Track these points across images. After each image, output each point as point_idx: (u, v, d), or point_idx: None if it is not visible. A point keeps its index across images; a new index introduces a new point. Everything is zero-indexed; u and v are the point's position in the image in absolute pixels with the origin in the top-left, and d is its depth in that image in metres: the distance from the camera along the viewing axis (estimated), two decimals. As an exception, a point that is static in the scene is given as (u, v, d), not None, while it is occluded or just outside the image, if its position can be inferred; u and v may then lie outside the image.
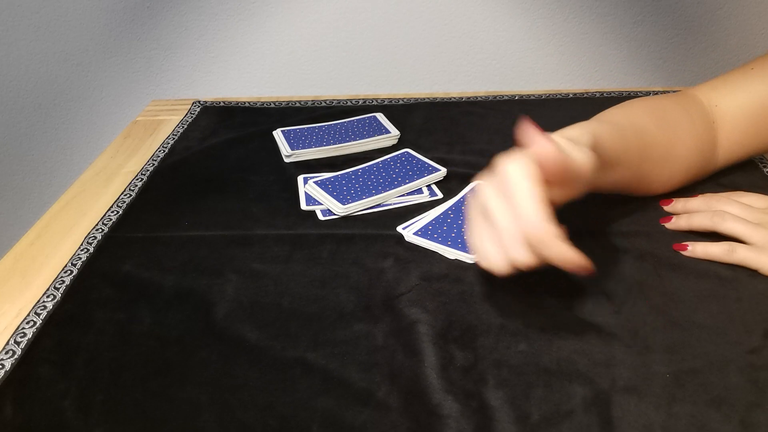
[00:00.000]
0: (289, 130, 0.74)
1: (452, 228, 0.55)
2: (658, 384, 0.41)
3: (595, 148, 0.46)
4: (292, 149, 0.69)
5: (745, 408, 0.39)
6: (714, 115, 0.58)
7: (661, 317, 0.46)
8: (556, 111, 0.78)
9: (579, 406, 0.39)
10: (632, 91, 0.84)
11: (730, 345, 0.43)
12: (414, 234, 0.55)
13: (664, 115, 0.57)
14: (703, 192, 0.58)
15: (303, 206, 0.60)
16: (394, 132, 0.72)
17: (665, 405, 0.39)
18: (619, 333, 0.45)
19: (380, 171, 0.64)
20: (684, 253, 0.52)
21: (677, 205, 0.56)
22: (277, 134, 0.73)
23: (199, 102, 0.85)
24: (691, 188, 0.59)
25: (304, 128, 0.74)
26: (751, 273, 0.50)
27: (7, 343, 0.46)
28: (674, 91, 0.64)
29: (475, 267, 0.52)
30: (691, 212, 0.55)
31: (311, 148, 0.69)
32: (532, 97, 0.83)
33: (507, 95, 0.84)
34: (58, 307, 0.49)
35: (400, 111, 0.80)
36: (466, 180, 0.63)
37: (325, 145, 0.70)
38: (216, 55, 0.96)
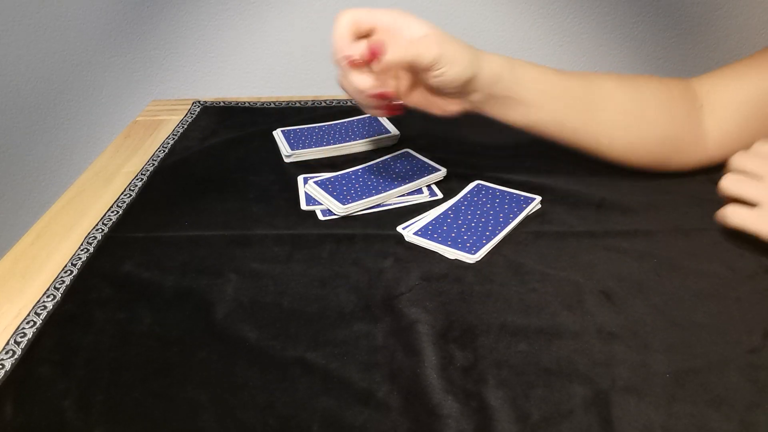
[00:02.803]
0: (289, 130, 0.74)
1: (452, 228, 0.55)
2: (658, 384, 0.41)
3: (506, 74, 0.53)
4: (292, 149, 0.69)
5: (745, 408, 0.39)
6: (703, 100, 0.58)
7: (661, 317, 0.46)
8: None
9: (579, 406, 0.39)
10: (632, 91, 0.84)
11: (730, 345, 0.43)
12: (414, 234, 0.55)
13: (633, 84, 0.58)
14: (704, 190, 0.57)
15: (303, 206, 0.60)
16: (394, 132, 0.72)
17: (665, 405, 0.39)
18: (619, 333, 0.45)
19: (380, 171, 0.64)
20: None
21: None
22: (277, 134, 0.73)
23: (199, 102, 0.85)
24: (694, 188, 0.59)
25: (304, 128, 0.74)
26: (751, 273, 0.50)
27: (7, 343, 0.46)
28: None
29: (475, 267, 0.52)
30: None
31: (311, 148, 0.69)
32: (532, 97, 0.83)
33: (507, 95, 0.84)
34: (58, 307, 0.49)
35: (400, 111, 0.80)
36: (466, 180, 0.63)
37: (325, 145, 0.70)
38: (216, 55, 0.96)
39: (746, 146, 0.58)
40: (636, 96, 0.57)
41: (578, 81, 0.57)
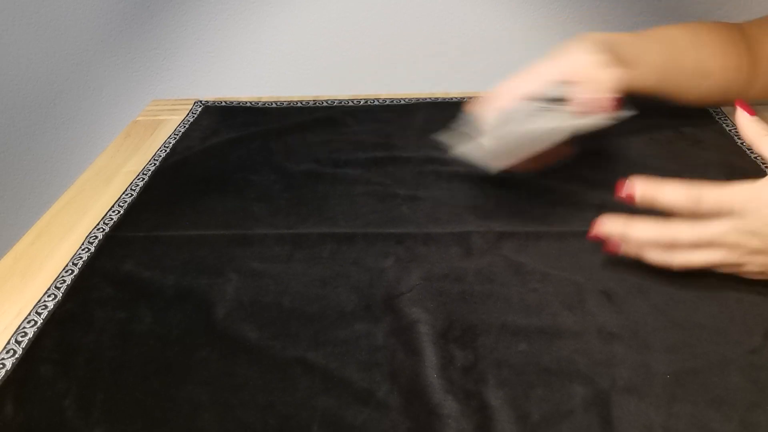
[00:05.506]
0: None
1: None
2: (658, 384, 0.41)
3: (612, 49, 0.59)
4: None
5: (745, 408, 0.39)
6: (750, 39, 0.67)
7: (661, 317, 0.46)
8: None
9: (579, 406, 0.39)
10: (632, 92, 0.84)
11: (731, 345, 0.43)
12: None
13: (700, 39, 0.67)
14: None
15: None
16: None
17: (665, 405, 0.39)
18: (619, 333, 0.45)
19: None
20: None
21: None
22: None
23: (200, 102, 0.86)
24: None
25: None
26: (752, 273, 0.50)
27: (8, 343, 0.46)
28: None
29: (475, 267, 0.52)
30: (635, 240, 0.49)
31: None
32: (533, 98, 0.83)
33: (507, 95, 0.84)
34: (59, 306, 0.49)
35: (400, 111, 0.80)
36: (467, 180, 0.63)
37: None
38: (216, 55, 0.96)
39: None
40: (704, 55, 0.66)
41: (664, 44, 0.65)
